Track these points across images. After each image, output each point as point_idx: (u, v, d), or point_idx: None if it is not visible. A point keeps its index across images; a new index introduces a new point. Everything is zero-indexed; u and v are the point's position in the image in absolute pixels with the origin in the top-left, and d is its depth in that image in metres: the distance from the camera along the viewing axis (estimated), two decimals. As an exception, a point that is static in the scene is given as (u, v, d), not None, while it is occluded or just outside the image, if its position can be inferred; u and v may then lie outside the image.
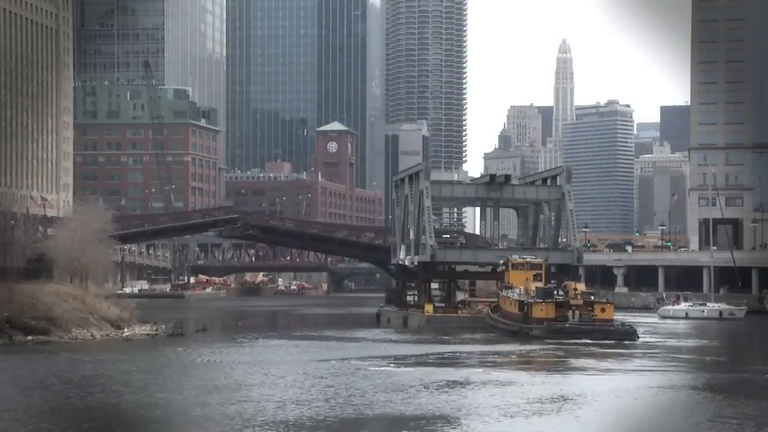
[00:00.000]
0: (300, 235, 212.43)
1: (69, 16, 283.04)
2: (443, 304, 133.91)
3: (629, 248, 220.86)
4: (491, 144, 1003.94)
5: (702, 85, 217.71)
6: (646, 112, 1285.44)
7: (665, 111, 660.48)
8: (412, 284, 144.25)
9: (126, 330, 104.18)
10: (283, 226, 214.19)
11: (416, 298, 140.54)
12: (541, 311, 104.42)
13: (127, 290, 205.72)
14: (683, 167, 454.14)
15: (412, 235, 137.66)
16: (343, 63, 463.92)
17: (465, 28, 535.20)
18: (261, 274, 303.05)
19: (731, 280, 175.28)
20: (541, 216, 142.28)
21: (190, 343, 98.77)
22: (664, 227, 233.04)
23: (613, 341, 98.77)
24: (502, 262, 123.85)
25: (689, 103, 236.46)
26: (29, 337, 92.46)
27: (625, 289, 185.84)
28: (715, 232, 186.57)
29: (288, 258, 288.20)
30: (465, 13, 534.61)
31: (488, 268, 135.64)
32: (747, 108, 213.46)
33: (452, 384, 67.59)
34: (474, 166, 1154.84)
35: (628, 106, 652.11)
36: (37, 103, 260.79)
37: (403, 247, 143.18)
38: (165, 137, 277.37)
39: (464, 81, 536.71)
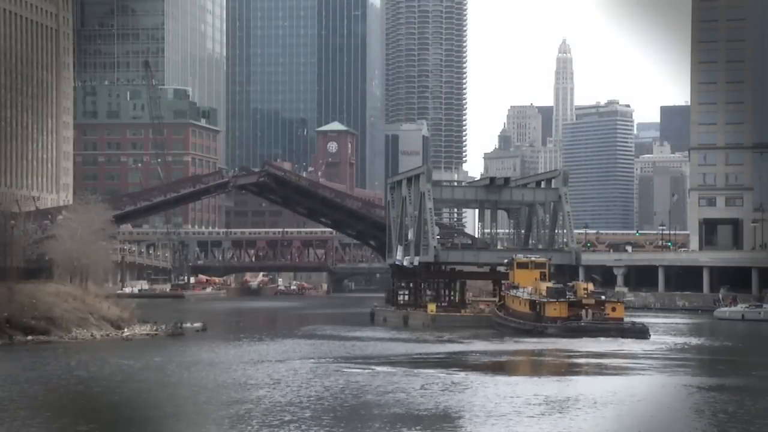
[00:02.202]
0: (312, 195, 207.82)
1: (69, 16, 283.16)
2: (443, 303, 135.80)
3: (629, 248, 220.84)
4: (491, 144, 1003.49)
5: (702, 85, 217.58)
6: (646, 112, 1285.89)
7: (665, 111, 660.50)
8: (402, 284, 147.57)
9: (126, 330, 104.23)
10: (297, 181, 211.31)
11: (406, 297, 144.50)
12: (554, 310, 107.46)
13: (127, 290, 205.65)
14: (683, 167, 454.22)
15: (411, 236, 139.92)
16: (343, 63, 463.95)
17: (465, 28, 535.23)
18: (261, 274, 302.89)
19: (730, 280, 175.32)
20: (534, 218, 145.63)
21: (189, 343, 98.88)
22: (664, 227, 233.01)
23: (627, 339, 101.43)
24: (506, 261, 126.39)
25: (689, 103, 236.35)
26: (29, 337, 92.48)
27: (625, 289, 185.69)
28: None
29: (288, 258, 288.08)
30: (465, 13, 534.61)
31: (486, 269, 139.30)
32: (747, 108, 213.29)
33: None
34: (474, 166, 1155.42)
35: (628, 106, 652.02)
36: (37, 103, 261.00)
37: (400, 247, 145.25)
38: (165, 137, 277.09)
39: (464, 81, 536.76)
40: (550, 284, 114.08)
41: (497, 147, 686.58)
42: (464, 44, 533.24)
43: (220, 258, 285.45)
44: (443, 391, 63.44)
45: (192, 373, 73.72)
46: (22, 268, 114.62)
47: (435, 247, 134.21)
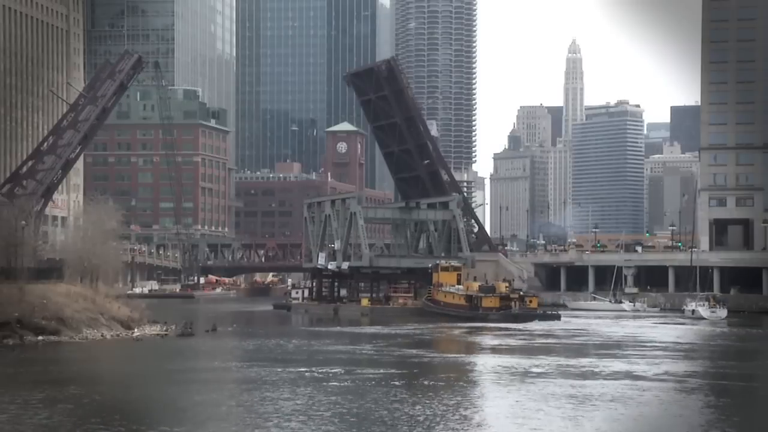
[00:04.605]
0: (407, 106, 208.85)
1: (79, 17, 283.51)
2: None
3: (639, 248, 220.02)
4: (501, 144, 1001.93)
5: (712, 84, 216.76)
6: (656, 112, 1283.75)
7: (675, 111, 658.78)
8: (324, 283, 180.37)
9: (136, 330, 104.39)
10: (406, 85, 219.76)
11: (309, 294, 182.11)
12: (490, 302, 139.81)
13: (137, 290, 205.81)
14: (693, 167, 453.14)
15: (337, 246, 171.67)
16: (352, 63, 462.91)
17: (474, 29, 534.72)
18: (271, 274, 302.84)
19: (742, 280, 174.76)
20: (432, 232, 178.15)
21: (204, 343, 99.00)
22: (674, 227, 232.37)
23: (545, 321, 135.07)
24: (430, 265, 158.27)
25: (699, 103, 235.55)
26: (40, 337, 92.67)
27: (635, 290, 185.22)
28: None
29: (299, 258, 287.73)
30: (475, 13, 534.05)
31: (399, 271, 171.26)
32: (758, 108, 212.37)
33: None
34: (484, 167, 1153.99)
35: (638, 106, 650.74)
36: (47, 104, 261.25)
37: (321, 254, 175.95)
38: (175, 138, 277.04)
39: (474, 81, 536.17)
40: (479, 283, 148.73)
41: (507, 147, 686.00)
42: (474, 44, 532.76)
43: (230, 258, 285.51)
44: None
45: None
46: (32, 268, 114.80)
47: (368, 254, 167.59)
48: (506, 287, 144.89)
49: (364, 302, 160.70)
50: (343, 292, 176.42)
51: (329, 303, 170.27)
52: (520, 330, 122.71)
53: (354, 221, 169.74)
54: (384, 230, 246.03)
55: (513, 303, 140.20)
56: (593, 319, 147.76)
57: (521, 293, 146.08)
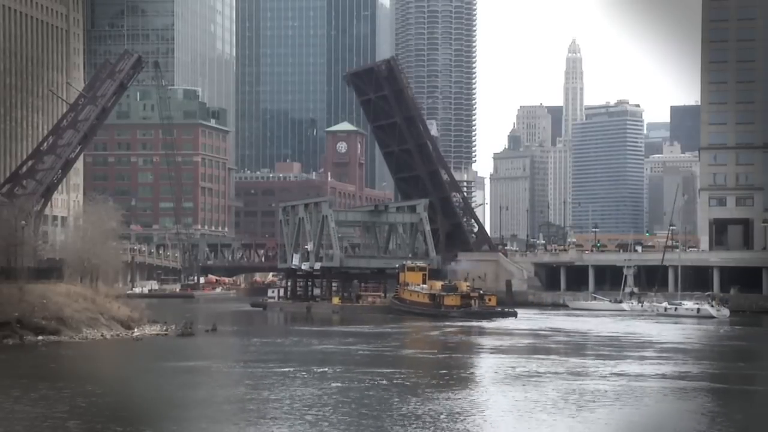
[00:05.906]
0: (407, 106, 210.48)
1: (79, 17, 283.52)
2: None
3: (639, 248, 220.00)
4: (501, 144, 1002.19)
5: (712, 84, 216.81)
6: (656, 112, 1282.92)
7: (675, 111, 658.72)
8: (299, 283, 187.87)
9: (136, 330, 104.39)
10: (406, 85, 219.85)
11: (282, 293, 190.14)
12: (451, 300, 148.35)
13: (137, 290, 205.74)
14: (693, 167, 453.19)
15: (310, 247, 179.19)
16: (352, 63, 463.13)
17: (474, 28, 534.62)
18: (271, 274, 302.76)
19: (742, 280, 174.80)
20: (399, 234, 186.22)
21: (206, 343, 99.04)
22: (674, 227, 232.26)
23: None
24: (397, 265, 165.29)
25: (699, 103, 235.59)
26: (40, 337, 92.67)
27: (636, 289, 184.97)
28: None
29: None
30: (474, 13, 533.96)
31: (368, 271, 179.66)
32: (757, 108, 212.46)
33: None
34: (484, 166, 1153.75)
35: (638, 105, 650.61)
36: (47, 104, 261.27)
37: (295, 255, 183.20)
38: (175, 138, 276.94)
39: (474, 81, 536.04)
40: (442, 282, 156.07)
41: (507, 147, 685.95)
42: (474, 44, 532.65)
43: (230, 258, 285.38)
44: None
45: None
46: (32, 268, 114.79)
47: (339, 255, 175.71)
48: (467, 286, 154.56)
49: (335, 300, 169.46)
50: (317, 291, 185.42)
51: (303, 301, 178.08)
52: (518, 330, 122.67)
53: (326, 224, 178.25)
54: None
55: (473, 301, 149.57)
56: (594, 318, 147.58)
57: (481, 292, 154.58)
